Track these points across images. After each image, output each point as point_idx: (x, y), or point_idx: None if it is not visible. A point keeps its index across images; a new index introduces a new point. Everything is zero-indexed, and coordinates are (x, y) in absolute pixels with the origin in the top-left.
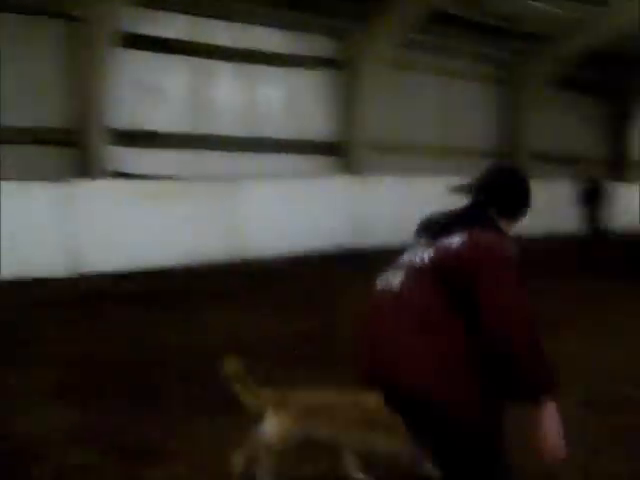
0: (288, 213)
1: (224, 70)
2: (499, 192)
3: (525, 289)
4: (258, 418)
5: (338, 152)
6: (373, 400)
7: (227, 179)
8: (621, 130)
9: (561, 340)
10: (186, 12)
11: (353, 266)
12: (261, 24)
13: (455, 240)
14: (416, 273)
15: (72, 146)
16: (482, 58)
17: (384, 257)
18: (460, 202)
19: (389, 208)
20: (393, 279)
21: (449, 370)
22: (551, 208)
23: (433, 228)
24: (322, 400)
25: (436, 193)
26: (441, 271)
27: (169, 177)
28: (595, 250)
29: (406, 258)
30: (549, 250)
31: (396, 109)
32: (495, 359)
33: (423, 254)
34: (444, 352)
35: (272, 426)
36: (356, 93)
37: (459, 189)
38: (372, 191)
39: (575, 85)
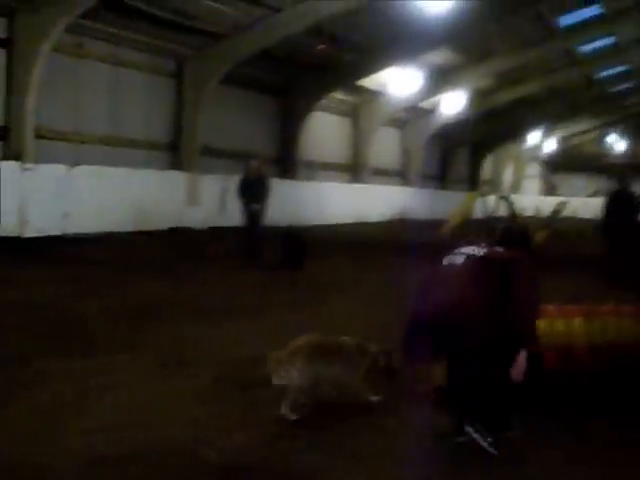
0: None
1: None
2: None
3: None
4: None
5: None
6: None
7: None
8: (291, 129)
9: (209, 324)
10: None
11: None
12: None
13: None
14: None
15: None
16: (157, 51)
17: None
18: None
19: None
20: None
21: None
22: (223, 203)
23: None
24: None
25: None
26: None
27: None
28: (252, 244)
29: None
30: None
31: (66, 97)
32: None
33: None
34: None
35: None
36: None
37: None
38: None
39: (247, 83)
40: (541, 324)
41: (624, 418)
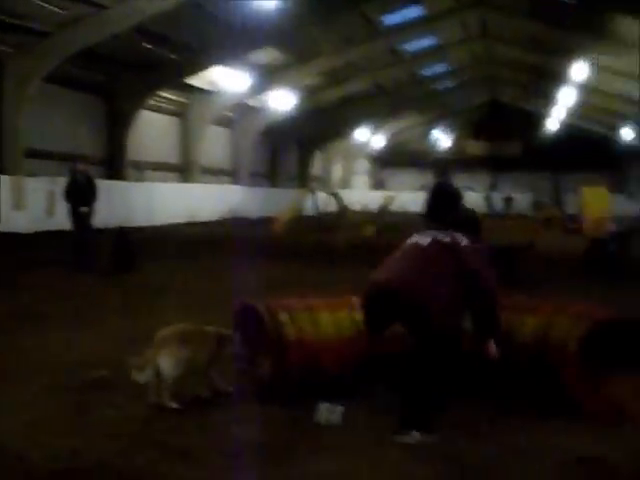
0: None
1: None
2: None
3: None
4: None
5: None
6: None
7: None
8: (118, 129)
9: (40, 332)
10: None
11: None
12: None
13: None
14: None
15: None
16: None
17: None
18: None
19: None
20: (419, 240)
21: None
22: (50, 207)
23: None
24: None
25: None
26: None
27: None
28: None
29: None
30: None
31: None
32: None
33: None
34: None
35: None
36: None
37: None
38: None
39: (73, 83)
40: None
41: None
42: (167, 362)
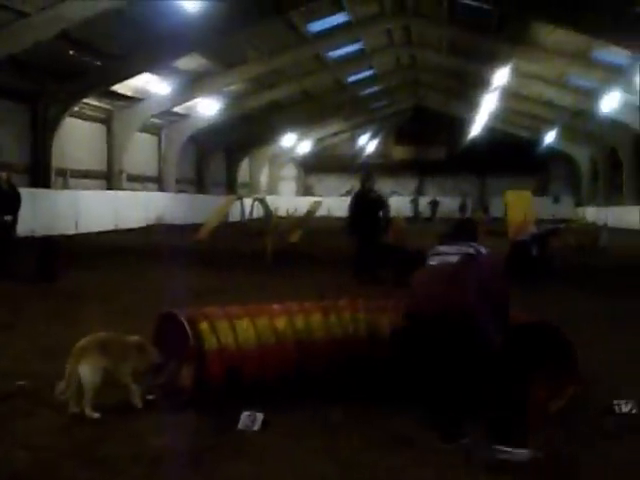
0: None
1: None
2: None
3: None
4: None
5: None
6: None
7: None
8: (42, 137)
9: None
10: None
11: None
12: None
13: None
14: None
15: None
16: None
17: None
18: None
19: None
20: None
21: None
22: None
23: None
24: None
25: None
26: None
27: None
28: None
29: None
30: None
31: None
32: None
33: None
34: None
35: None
36: None
37: None
38: None
39: None
40: (281, 321)
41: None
42: (87, 371)
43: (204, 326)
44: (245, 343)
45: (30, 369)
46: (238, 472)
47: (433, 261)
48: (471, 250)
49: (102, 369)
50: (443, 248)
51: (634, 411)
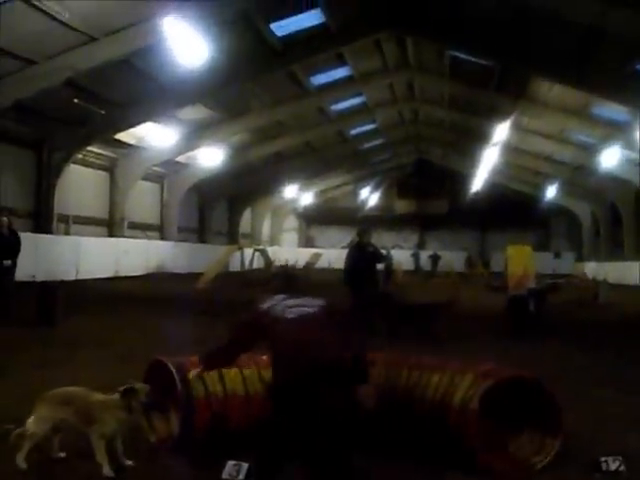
0: None
1: None
2: None
3: None
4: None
5: None
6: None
7: None
8: (46, 182)
9: None
10: None
11: None
12: None
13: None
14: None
15: None
16: None
17: None
18: None
19: None
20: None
21: None
22: None
23: None
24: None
25: None
26: None
27: None
28: None
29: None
30: None
31: None
32: None
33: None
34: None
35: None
36: None
37: None
38: None
39: (1, 135)
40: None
41: None
42: (32, 420)
43: (193, 374)
44: (232, 392)
45: (20, 414)
46: None
47: (291, 314)
48: (321, 302)
49: (48, 419)
50: (292, 301)
51: (622, 468)
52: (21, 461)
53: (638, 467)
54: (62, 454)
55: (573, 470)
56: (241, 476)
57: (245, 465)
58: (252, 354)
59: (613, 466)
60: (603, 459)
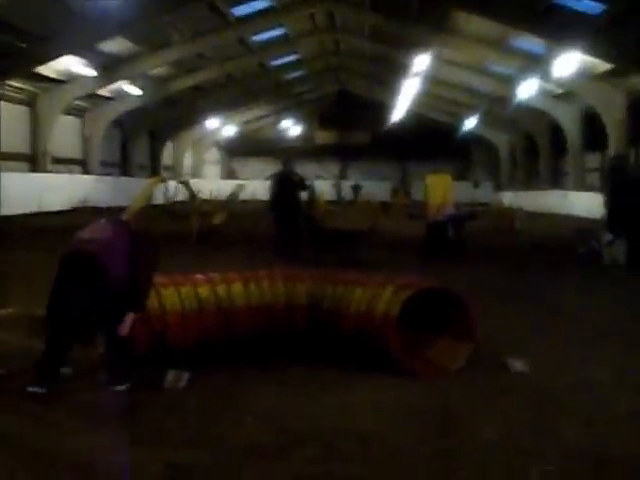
0: None
1: None
2: None
3: None
4: None
5: None
6: None
7: None
8: None
9: None
10: None
11: None
12: None
13: None
14: None
15: None
16: None
17: None
18: None
19: None
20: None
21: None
22: None
23: None
24: None
25: None
26: None
27: None
28: None
29: None
30: None
31: None
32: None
33: None
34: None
35: None
36: None
37: None
38: None
39: None
40: (204, 289)
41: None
42: None
43: None
44: (170, 309)
45: None
46: (165, 423)
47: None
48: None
49: None
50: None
51: (525, 368)
52: None
53: (538, 367)
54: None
55: (483, 371)
56: (182, 383)
57: (186, 374)
58: (188, 273)
59: (517, 366)
60: (509, 360)
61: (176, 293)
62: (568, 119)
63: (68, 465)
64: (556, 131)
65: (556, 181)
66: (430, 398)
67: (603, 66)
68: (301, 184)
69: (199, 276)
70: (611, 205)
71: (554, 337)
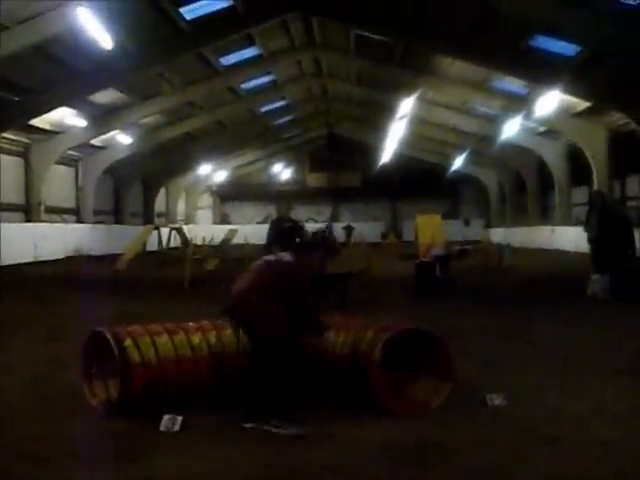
0: None
1: None
2: None
3: None
4: None
5: None
6: None
7: None
8: None
9: None
10: None
11: None
12: None
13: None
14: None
15: None
16: None
17: None
18: None
19: None
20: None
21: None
22: None
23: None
24: None
25: None
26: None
27: None
28: None
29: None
30: None
31: None
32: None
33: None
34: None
35: None
36: None
37: None
38: None
39: None
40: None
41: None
42: None
43: (128, 342)
44: (164, 356)
45: None
46: (161, 464)
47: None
48: (271, 258)
49: None
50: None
51: (503, 403)
52: None
53: (516, 401)
54: None
55: (463, 407)
56: (176, 427)
57: (179, 418)
58: (180, 322)
59: (497, 401)
60: (488, 396)
61: (170, 341)
62: (553, 155)
63: None
64: (543, 167)
65: (545, 216)
66: (410, 433)
67: (583, 104)
68: (296, 229)
69: (190, 324)
70: (593, 240)
71: (535, 370)
